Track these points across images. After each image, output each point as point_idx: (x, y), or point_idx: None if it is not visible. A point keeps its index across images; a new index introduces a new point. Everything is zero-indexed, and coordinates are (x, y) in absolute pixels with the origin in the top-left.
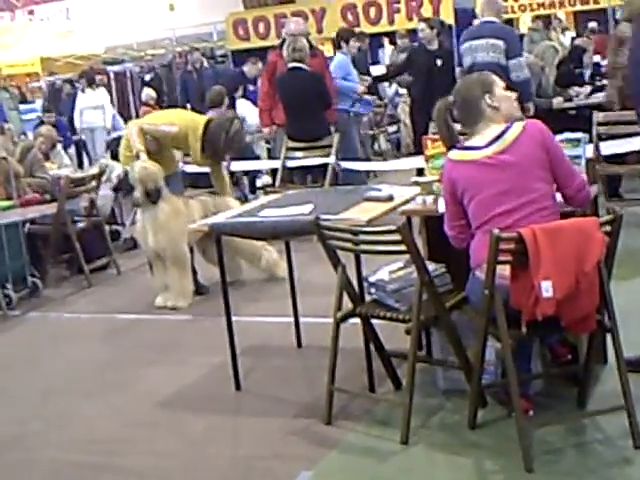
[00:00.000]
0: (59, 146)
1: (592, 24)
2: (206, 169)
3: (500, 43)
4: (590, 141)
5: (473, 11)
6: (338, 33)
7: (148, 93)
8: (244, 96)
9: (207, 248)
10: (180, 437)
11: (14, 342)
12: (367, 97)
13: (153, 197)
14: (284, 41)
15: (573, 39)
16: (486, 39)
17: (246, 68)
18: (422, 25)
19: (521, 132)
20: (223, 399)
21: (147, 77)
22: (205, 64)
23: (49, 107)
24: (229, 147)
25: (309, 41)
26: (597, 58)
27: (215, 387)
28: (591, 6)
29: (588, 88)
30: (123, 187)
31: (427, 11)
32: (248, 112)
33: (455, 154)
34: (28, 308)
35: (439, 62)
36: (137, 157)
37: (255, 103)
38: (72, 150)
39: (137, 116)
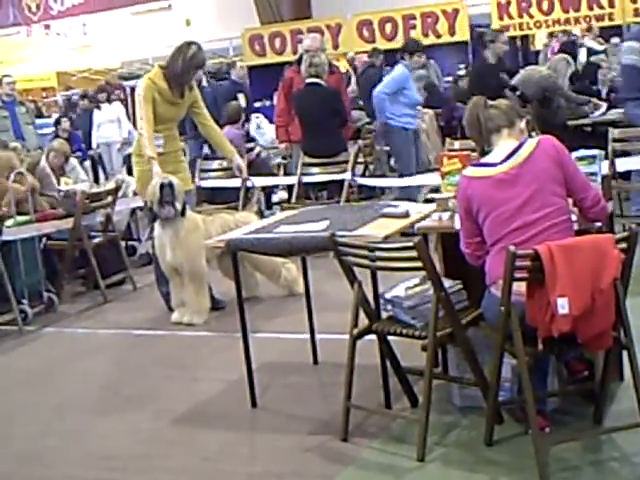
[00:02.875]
0: (75, 161)
1: (615, 40)
2: (223, 184)
3: (637, 45)
4: (606, 158)
5: (489, 27)
6: (405, 43)
7: None
8: (245, 110)
9: (225, 264)
10: (195, 454)
11: (30, 357)
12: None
13: (184, 212)
14: (301, 57)
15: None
16: (631, 42)
17: (234, 76)
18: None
19: (535, 148)
20: (239, 416)
21: None
22: (204, 82)
23: (59, 119)
24: (188, 69)
25: (327, 57)
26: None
27: (231, 404)
28: (606, 22)
29: (604, 105)
30: (164, 198)
31: (443, 27)
32: (266, 129)
33: (470, 171)
34: (44, 323)
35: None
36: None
37: (271, 119)
38: (87, 164)
39: None
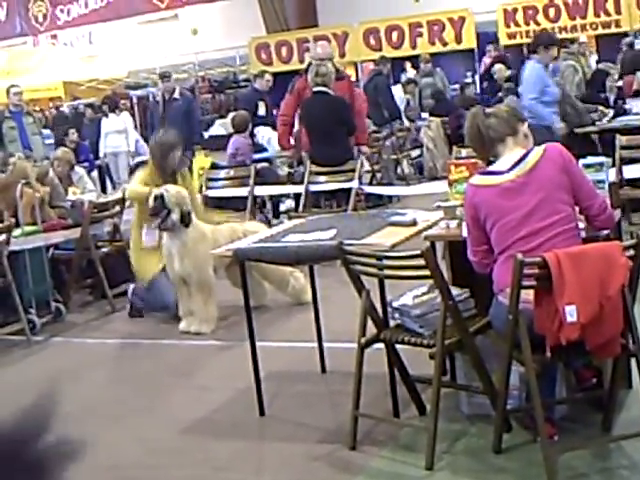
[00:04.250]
0: (82, 170)
1: (627, 39)
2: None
3: None
4: (613, 165)
5: (495, 35)
6: (536, 36)
7: None
8: (264, 118)
9: (234, 273)
10: (204, 463)
11: (38, 367)
12: None
13: (186, 221)
14: (309, 65)
15: (597, 62)
16: None
17: (257, 85)
18: None
19: (542, 156)
20: (247, 424)
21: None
22: (176, 94)
23: (67, 130)
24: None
25: (334, 65)
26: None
27: (239, 412)
28: (613, 29)
29: (611, 112)
30: (156, 210)
31: (449, 35)
32: (269, 137)
33: (477, 179)
34: (52, 333)
35: None
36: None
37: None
38: (95, 174)
39: None
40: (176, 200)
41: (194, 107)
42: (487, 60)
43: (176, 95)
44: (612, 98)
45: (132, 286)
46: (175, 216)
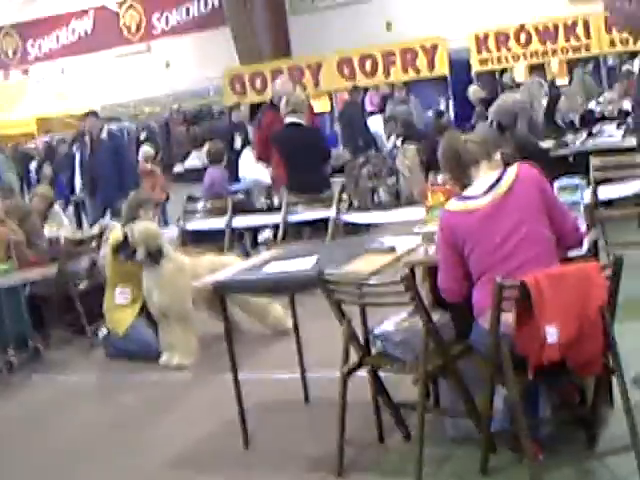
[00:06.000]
0: (57, 206)
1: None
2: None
3: None
4: (588, 185)
5: (468, 62)
6: None
7: (146, 150)
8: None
9: (213, 303)
10: None
11: (17, 406)
12: None
13: (155, 258)
14: (273, 99)
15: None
16: None
17: (234, 117)
18: None
19: (515, 177)
20: (232, 456)
21: (142, 135)
22: (104, 134)
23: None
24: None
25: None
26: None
27: (224, 445)
28: (583, 54)
29: (584, 134)
30: (122, 250)
31: (422, 63)
32: (250, 166)
33: (453, 205)
34: (31, 371)
35: None
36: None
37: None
38: (70, 209)
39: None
40: (141, 237)
41: (124, 148)
42: None
43: (104, 135)
44: (577, 118)
45: (104, 331)
46: (140, 254)
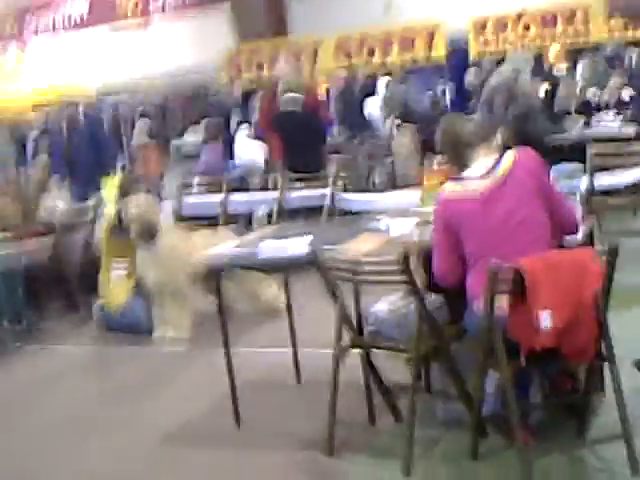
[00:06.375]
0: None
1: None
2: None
3: None
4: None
5: (466, 48)
6: None
7: (141, 126)
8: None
9: (207, 279)
10: (181, 472)
11: (13, 376)
12: None
13: (150, 234)
14: (276, 81)
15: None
16: None
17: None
18: None
19: (513, 162)
20: (224, 433)
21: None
22: (80, 122)
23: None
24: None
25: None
26: None
27: (215, 421)
28: (582, 41)
29: (581, 121)
30: (116, 227)
31: (420, 46)
32: (245, 145)
33: (450, 186)
34: (26, 342)
35: None
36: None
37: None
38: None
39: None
40: (134, 216)
41: (101, 133)
42: None
43: (80, 123)
44: (573, 105)
45: (97, 306)
46: (134, 231)
